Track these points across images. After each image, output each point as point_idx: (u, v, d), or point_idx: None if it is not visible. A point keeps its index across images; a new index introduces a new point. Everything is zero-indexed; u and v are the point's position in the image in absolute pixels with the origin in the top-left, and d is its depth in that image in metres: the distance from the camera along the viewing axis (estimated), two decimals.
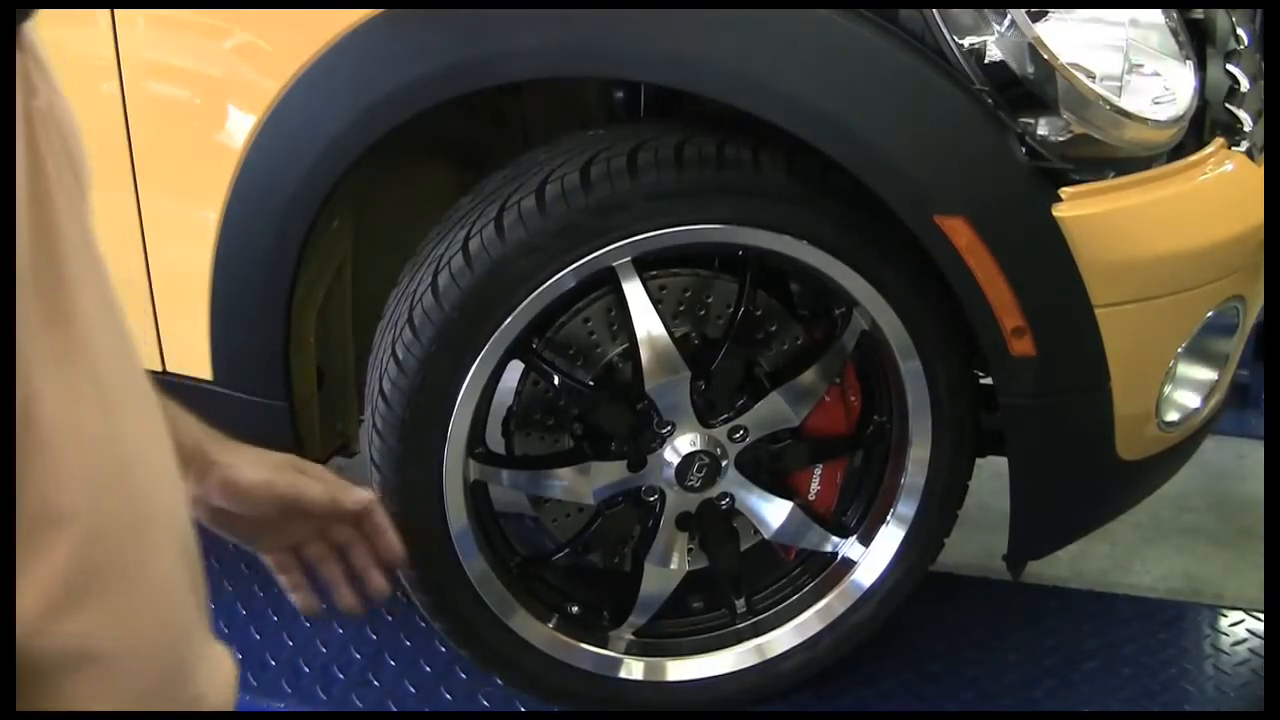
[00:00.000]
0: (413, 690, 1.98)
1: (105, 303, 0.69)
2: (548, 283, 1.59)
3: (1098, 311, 1.55)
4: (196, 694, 0.75)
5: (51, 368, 0.64)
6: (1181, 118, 1.57)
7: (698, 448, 1.75)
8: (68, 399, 0.65)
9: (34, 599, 0.63)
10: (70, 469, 0.65)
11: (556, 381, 1.73)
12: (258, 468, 1.17)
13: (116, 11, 1.60)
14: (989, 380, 1.69)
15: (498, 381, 1.70)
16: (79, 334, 0.66)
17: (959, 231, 1.51)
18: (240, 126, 1.60)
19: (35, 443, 0.63)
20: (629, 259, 1.62)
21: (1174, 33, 1.60)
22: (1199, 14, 1.69)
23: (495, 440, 1.79)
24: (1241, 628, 2.14)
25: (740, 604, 1.91)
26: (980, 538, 2.11)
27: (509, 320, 1.61)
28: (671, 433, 1.74)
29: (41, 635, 0.64)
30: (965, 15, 1.50)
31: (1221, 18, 1.72)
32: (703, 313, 1.76)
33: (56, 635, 0.65)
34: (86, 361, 0.66)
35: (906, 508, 1.82)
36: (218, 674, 0.78)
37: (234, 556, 2.27)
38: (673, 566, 1.85)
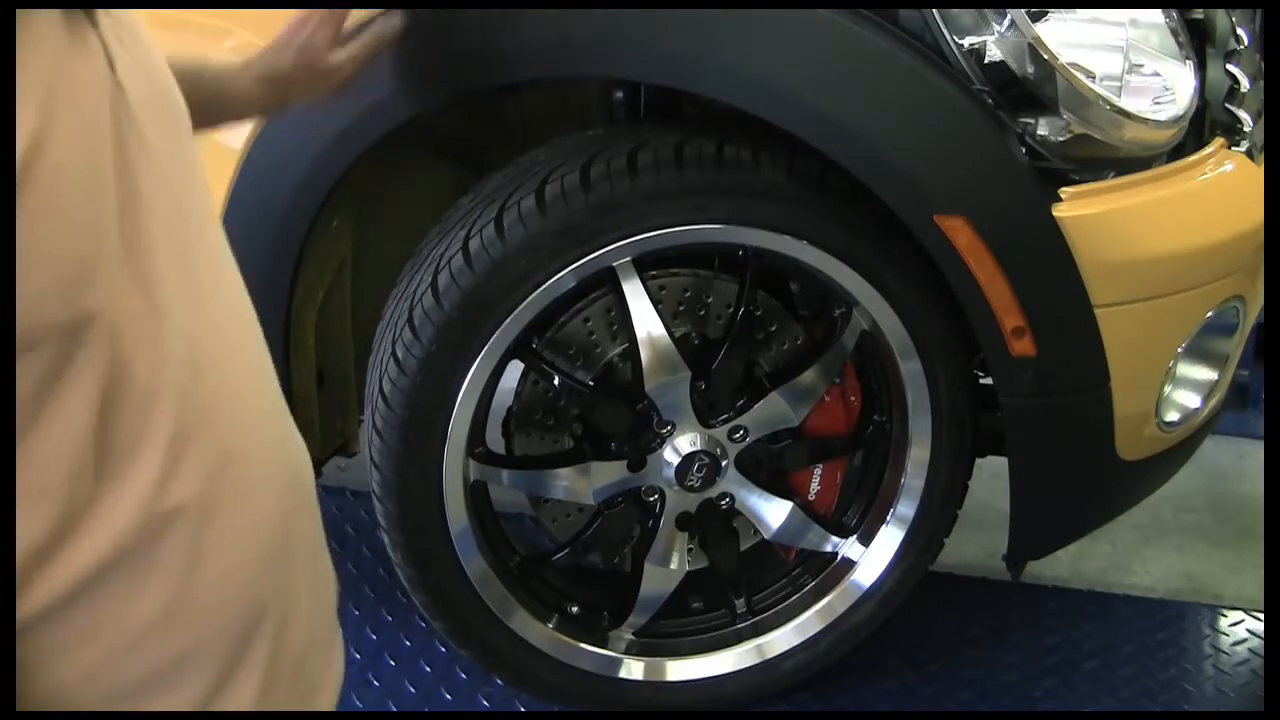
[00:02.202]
0: (413, 690, 1.98)
1: (212, 262, 0.77)
2: (548, 283, 1.59)
3: (1098, 311, 1.55)
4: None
5: (141, 328, 0.70)
6: (1181, 118, 1.57)
7: (698, 448, 1.75)
8: (156, 357, 0.71)
9: (108, 536, 0.71)
10: (156, 414, 0.71)
11: (556, 381, 1.73)
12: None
13: None
14: (989, 380, 1.69)
15: (498, 381, 1.70)
16: (166, 296, 0.72)
17: (959, 231, 1.51)
18: (240, 126, 1.60)
19: (131, 404, 0.70)
20: (629, 259, 1.62)
21: (1174, 33, 1.60)
22: (1199, 14, 1.69)
23: (495, 440, 1.79)
24: (1241, 628, 2.14)
25: (740, 604, 1.91)
26: (980, 538, 2.11)
27: (509, 320, 1.61)
28: (671, 433, 1.74)
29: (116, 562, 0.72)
30: (965, 15, 1.50)
31: (1221, 18, 1.72)
32: (703, 313, 1.76)
33: (129, 562, 0.73)
34: (176, 320, 0.72)
35: (906, 508, 1.82)
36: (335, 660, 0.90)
37: None
38: (673, 566, 1.85)
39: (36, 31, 0.64)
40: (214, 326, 0.78)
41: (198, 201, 0.80)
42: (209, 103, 1.30)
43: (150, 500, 0.71)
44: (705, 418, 1.74)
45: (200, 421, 0.75)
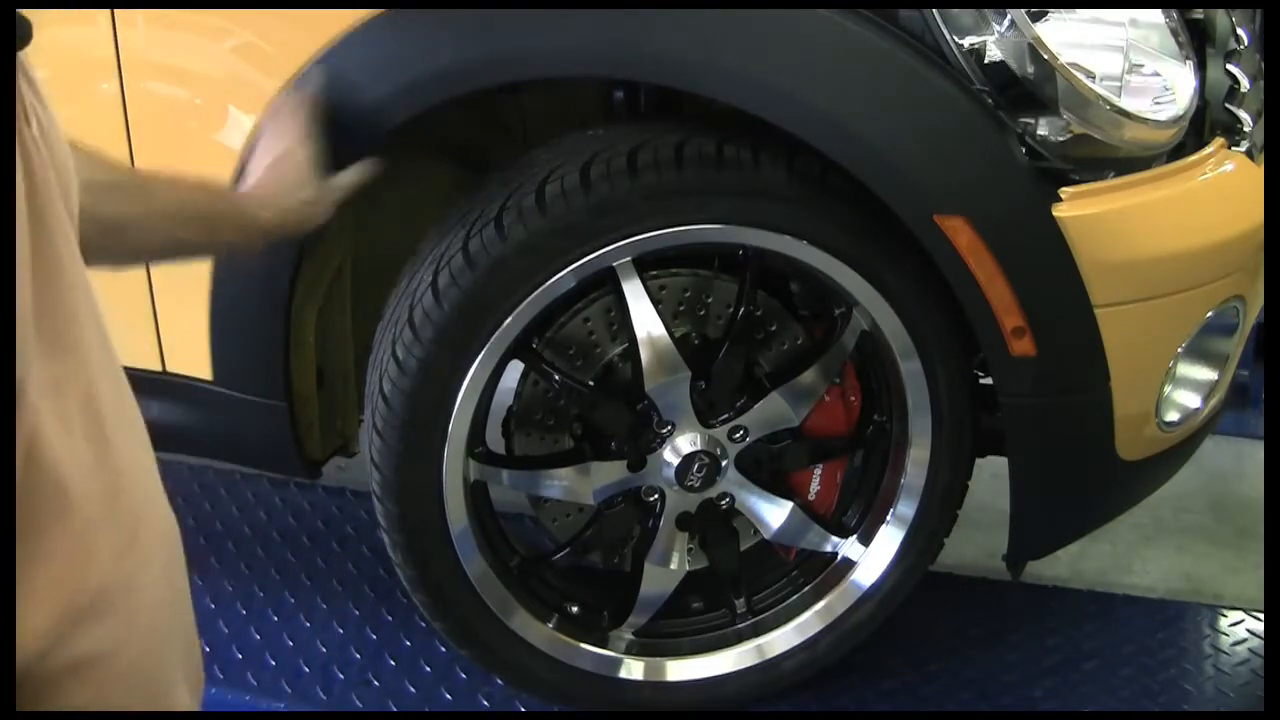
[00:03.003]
0: (413, 690, 1.98)
1: (101, 334, 0.73)
2: (548, 283, 1.59)
3: (1098, 311, 1.55)
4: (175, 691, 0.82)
5: (50, 398, 0.66)
6: (1181, 118, 1.57)
7: (698, 448, 1.75)
8: (63, 428, 0.67)
9: (37, 625, 0.67)
10: (67, 495, 0.68)
11: (556, 381, 1.73)
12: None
13: (116, 11, 1.60)
14: (989, 380, 1.69)
15: (498, 381, 1.70)
16: (76, 365, 0.69)
17: (959, 231, 1.51)
18: (240, 126, 1.60)
19: (36, 474, 0.66)
20: (629, 259, 1.62)
21: (1174, 33, 1.60)
22: (1199, 14, 1.69)
23: (495, 440, 1.79)
24: (1241, 628, 2.13)
25: (740, 604, 1.91)
26: (980, 538, 2.11)
27: (509, 320, 1.61)
28: (671, 433, 1.74)
29: (46, 657, 0.68)
30: (965, 15, 1.50)
31: (1221, 18, 1.72)
32: (703, 313, 1.76)
33: (59, 656, 0.69)
34: (82, 392, 0.69)
35: (906, 508, 1.82)
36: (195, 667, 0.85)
37: (234, 557, 2.27)
38: (673, 566, 1.85)
39: None
40: (121, 391, 0.77)
41: (87, 275, 0.76)
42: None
43: (72, 593, 0.69)
44: (705, 418, 1.74)
45: (113, 491, 0.73)
